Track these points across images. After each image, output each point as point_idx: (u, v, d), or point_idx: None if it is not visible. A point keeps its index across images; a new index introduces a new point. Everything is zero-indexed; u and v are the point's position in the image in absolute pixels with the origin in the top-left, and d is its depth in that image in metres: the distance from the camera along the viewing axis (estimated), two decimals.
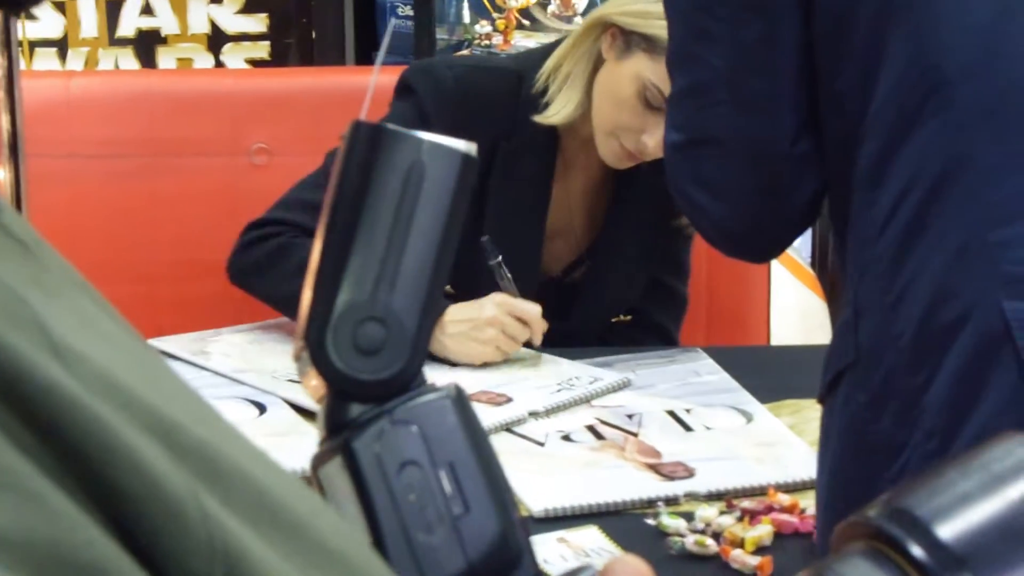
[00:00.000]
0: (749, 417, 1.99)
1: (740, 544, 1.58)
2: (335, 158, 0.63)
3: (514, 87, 2.23)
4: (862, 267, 1.27)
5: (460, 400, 0.62)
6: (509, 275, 2.19)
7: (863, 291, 1.26)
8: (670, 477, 1.77)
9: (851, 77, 1.25)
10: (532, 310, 2.14)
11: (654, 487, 1.73)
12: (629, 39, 2.13)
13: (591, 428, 1.94)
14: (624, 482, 1.75)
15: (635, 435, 1.91)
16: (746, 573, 1.54)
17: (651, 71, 2.10)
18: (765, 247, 1.44)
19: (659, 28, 2.06)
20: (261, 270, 2.21)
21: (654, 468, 1.80)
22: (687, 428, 1.95)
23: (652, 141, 2.11)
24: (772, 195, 1.34)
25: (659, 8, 2.02)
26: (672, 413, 2.00)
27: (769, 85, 1.30)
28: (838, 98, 1.27)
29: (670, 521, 1.62)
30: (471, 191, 0.63)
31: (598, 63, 2.19)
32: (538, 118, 2.20)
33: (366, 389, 0.62)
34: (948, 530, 0.56)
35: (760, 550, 1.58)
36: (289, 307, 2.18)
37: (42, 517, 0.38)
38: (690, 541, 1.57)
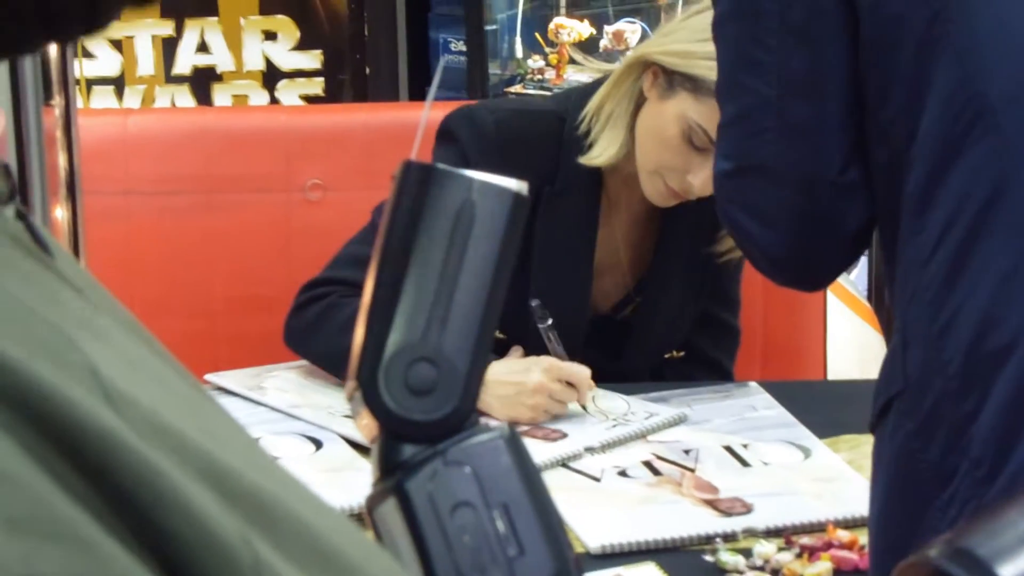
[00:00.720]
0: (807, 452, 1.97)
1: None
2: (385, 206, 0.63)
3: (556, 129, 2.21)
4: (910, 295, 1.26)
5: (513, 440, 0.62)
6: (558, 339, 2.17)
7: (911, 319, 1.26)
8: (728, 513, 1.75)
9: (897, 105, 1.25)
10: (580, 373, 2.10)
11: (712, 523, 1.72)
12: (671, 79, 2.10)
13: (647, 464, 1.93)
14: (681, 518, 1.74)
15: (692, 471, 1.90)
16: None
17: (695, 111, 2.06)
18: (815, 275, 1.43)
19: (703, 68, 2.01)
20: (311, 331, 2.18)
21: (711, 504, 1.78)
22: (744, 463, 1.93)
23: (697, 181, 2.08)
24: (820, 223, 1.33)
25: (703, 48, 2.00)
26: (729, 448, 1.98)
27: (817, 113, 1.30)
28: (885, 126, 1.27)
29: (728, 557, 1.61)
30: (522, 231, 0.63)
31: (640, 101, 2.17)
32: (583, 160, 2.17)
33: (418, 430, 0.62)
34: (1010, 570, 0.55)
35: None
36: (336, 366, 2.16)
37: (94, 565, 0.38)
38: None
